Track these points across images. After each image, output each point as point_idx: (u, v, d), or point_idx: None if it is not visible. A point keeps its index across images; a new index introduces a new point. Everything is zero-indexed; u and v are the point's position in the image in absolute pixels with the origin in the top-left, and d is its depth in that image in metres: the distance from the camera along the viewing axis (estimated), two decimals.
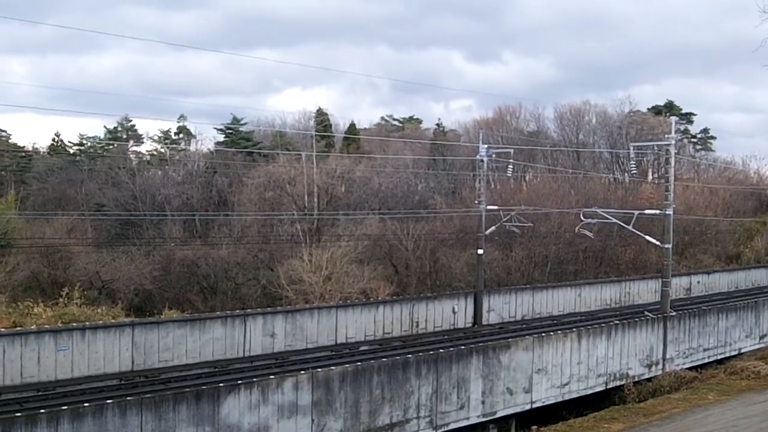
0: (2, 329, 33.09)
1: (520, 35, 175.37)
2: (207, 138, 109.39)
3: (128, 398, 20.67)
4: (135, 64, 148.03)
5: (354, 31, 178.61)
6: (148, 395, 21.29)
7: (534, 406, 31.10)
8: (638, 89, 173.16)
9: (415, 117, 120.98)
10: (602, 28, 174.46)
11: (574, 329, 34.55)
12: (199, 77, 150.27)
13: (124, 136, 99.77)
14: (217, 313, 39.50)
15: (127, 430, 19.80)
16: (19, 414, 18.73)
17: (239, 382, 23.06)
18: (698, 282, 60.60)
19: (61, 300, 49.98)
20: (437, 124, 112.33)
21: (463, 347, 29.87)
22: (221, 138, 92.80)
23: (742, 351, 43.74)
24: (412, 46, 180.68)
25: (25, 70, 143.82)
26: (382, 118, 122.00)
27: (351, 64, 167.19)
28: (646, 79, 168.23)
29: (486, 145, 47.94)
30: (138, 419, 19.98)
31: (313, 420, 23.63)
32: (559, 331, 34.12)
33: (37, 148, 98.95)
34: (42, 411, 19.06)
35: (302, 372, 24.42)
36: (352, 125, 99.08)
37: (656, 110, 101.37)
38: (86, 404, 19.91)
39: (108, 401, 20.22)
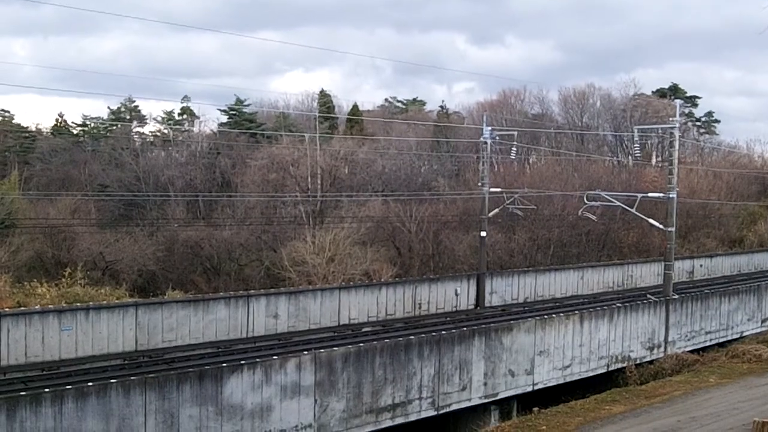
0: (7, 309, 33.25)
1: (522, 18, 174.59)
2: (210, 119, 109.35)
3: (132, 378, 20.77)
4: (137, 45, 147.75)
5: (356, 13, 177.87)
6: (152, 375, 21.40)
7: (536, 387, 31.22)
8: (641, 73, 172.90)
9: (418, 99, 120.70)
10: (605, 11, 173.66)
11: (577, 312, 34.62)
12: (201, 59, 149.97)
13: (128, 117, 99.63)
14: (221, 294, 39.64)
15: (131, 410, 19.91)
16: (23, 393, 18.85)
17: (242, 362, 23.15)
18: (701, 265, 60.60)
19: (64, 280, 50.13)
20: (441, 107, 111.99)
21: (465, 329, 29.95)
22: (225, 119, 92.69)
23: (744, 334, 43.83)
24: (415, 29, 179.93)
25: (27, 52, 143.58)
26: (386, 99, 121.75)
27: (353, 46, 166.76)
28: (649, 63, 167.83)
29: (490, 128, 47.83)
30: (142, 399, 20.09)
31: (315, 400, 23.75)
32: (561, 314, 34.21)
33: (40, 129, 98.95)
34: (46, 390, 19.16)
35: (305, 353, 24.52)
36: (355, 107, 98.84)
37: (661, 93, 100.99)
38: (90, 384, 20.02)
39: (112, 381, 20.32)
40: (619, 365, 35.24)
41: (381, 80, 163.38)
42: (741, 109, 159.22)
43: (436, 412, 27.53)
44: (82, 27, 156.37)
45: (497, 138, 49.73)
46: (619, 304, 37.84)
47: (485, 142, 46.99)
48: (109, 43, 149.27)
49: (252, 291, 38.43)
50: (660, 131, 52.19)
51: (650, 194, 44.11)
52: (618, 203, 43.92)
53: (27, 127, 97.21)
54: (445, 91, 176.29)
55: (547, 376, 31.69)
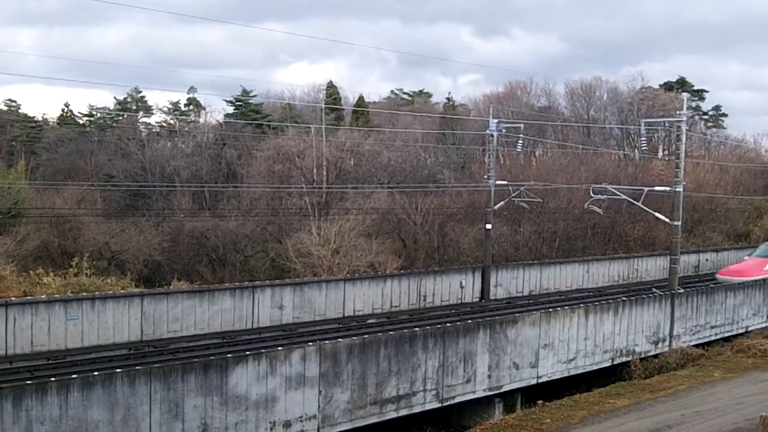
0: (13, 298, 33.34)
1: (527, 11, 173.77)
2: (216, 110, 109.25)
3: (137, 368, 20.82)
4: (142, 36, 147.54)
5: (362, 5, 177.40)
6: (157, 365, 21.45)
7: (540, 381, 31.22)
8: (647, 66, 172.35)
9: (424, 91, 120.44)
10: (611, 3, 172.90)
11: (582, 305, 34.62)
12: (207, 50, 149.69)
13: (134, 108, 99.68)
14: (226, 284, 39.75)
15: (136, 399, 19.97)
16: (29, 382, 18.91)
17: (247, 353, 23.21)
18: (707, 260, 60.46)
19: (70, 270, 50.24)
20: (447, 99, 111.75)
21: (470, 321, 29.97)
22: (231, 110, 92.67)
23: (750, 329, 43.72)
24: (420, 21, 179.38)
25: (32, 42, 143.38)
26: (392, 91, 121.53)
27: (359, 38, 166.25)
28: (655, 56, 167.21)
29: (496, 120, 47.73)
30: (147, 389, 20.14)
31: (320, 391, 23.79)
32: (566, 307, 34.16)
33: (46, 119, 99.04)
34: (52, 379, 19.22)
35: (310, 344, 24.55)
36: (361, 98, 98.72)
37: (668, 87, 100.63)
38: (96, 373, 20.07)
39: (117, 371, 20.37)
40: (624, 359, 35.21)
41: (386, 72, 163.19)
42: (746, 103, 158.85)
43: (440, 404, 27.56)
44: (87, 17, 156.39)
45: (503, 130, 49.59)
46: (624, 298, 37.79)
47: (491, 135, 46.89)
48: (114, 33, 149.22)
49: (257, 282, 38.48)
50: (667, 125, 51.93)
51: (656, 188, 44.00)
52: (624, 197, 43.77)
53: (33, 117, 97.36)
54: (450, 84, 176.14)
55: (551, 369, 31.69)
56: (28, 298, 33.72)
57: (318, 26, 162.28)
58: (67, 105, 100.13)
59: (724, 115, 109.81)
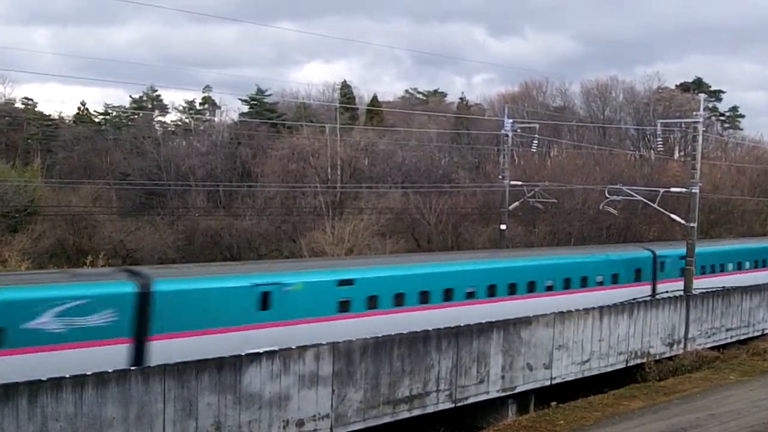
0: None
1: (540, 9, 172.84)
2: (231, 109, 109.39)
3: (151, 366, 20.89)
4: (156, 35, 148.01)
5: (374, 3, 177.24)
6: (171, 363, 21.50)
7: (554, 382, 31.08)
8: (661, 66, 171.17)
9: (439, 90, 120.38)
10: (624, 2, 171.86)
11: (596, 306, 34.42)
12: (220, 49, 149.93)
13: (150, 106, 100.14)
14: None
15: (151, 397, 20.03)
16: (44, 379, 18.98)
17: (261, 351, 23.21)
18: None
19: (86, 267, 50.50)
20: (461, 98, 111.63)
21: (483, 322, 29.86)
22: (245, 109, 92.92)
23: (766, 332, 43.39)
24: (433, 20, 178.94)
25: (47, 41, 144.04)
26: (406, 91, 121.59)
27: (372, 37, 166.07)
28: (669, 56, 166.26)
29: (511, 120, 47.64)
30: (161, 386, 20.19)
31: (333, 390, 23.78)
32: (580, 308, 33.99)
33: (62, 117, 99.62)
34: (67, 377, 19.30)
35: (324, 343, 24.54)
36: (375, 98, 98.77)
37: (684, 87, 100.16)
38: (110, 371, 20.15)
39: (132, 368, 20.45)
40: (638, 361, 35.00)
41: (401, 71, 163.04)
42: (764, 103, 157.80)
43: (453, 405, 27.48)
44: (99, 16, 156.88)
45: (518, 130, 49.50)
46: (639, 299, 37.59)
47: (506, 135, 46.79)
48: (127, 33, 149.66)
49: None
50: (683, 125, 51.63)
51: (672, 189, 43.74)
52: (639, 197, 43.56)
53: (49, 116, 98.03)
54: (464, 83, 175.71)
55: (565, 370, 31.54)
56: None
57: (331, 25, 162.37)
58: (83, 103, 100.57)
59: (741, 116, 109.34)
